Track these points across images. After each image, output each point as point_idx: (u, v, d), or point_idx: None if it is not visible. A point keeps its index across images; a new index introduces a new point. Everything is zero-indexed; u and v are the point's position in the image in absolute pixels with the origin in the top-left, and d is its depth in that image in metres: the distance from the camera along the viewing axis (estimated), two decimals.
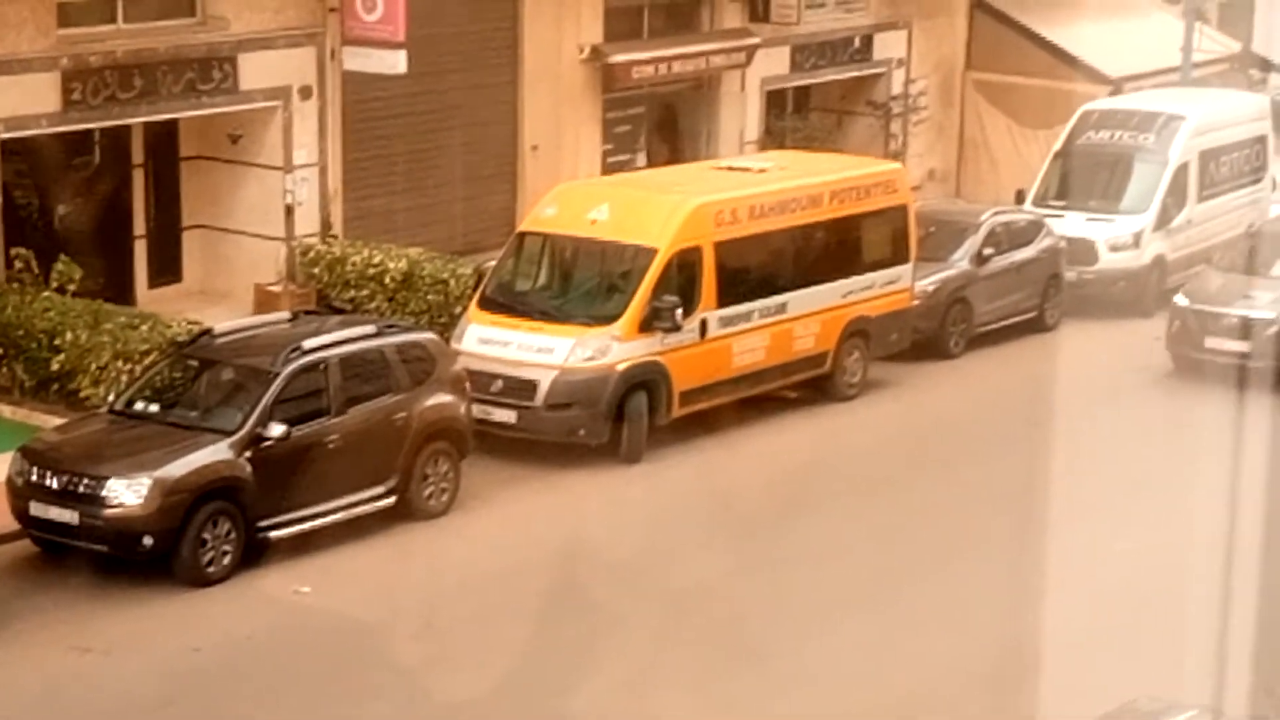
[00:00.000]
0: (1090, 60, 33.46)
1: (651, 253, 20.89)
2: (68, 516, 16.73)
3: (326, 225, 24.62)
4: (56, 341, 20.34)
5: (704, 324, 21.24)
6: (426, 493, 18.64)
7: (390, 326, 19.37)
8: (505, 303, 21.31)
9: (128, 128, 23.39)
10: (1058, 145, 29.35)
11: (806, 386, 22.84)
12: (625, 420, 20.50)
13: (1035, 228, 27.07)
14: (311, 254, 24.08)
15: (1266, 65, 38.23)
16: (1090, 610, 16.56)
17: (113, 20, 22.60)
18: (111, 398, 18.77)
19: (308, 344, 18.02)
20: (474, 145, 26.76)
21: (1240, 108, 31.11)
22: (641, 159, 29.17)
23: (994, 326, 25.96)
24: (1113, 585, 17.24)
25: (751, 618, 16.59)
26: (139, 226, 24.19)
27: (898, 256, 23.84)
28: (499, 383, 20.34)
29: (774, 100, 31.41)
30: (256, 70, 23.56)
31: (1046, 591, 17.02)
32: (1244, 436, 20.56)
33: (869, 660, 15.87)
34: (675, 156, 27.67)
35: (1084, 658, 15.47)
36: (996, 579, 17.50)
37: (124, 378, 19.60)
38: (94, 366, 20.05)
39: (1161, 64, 34.22)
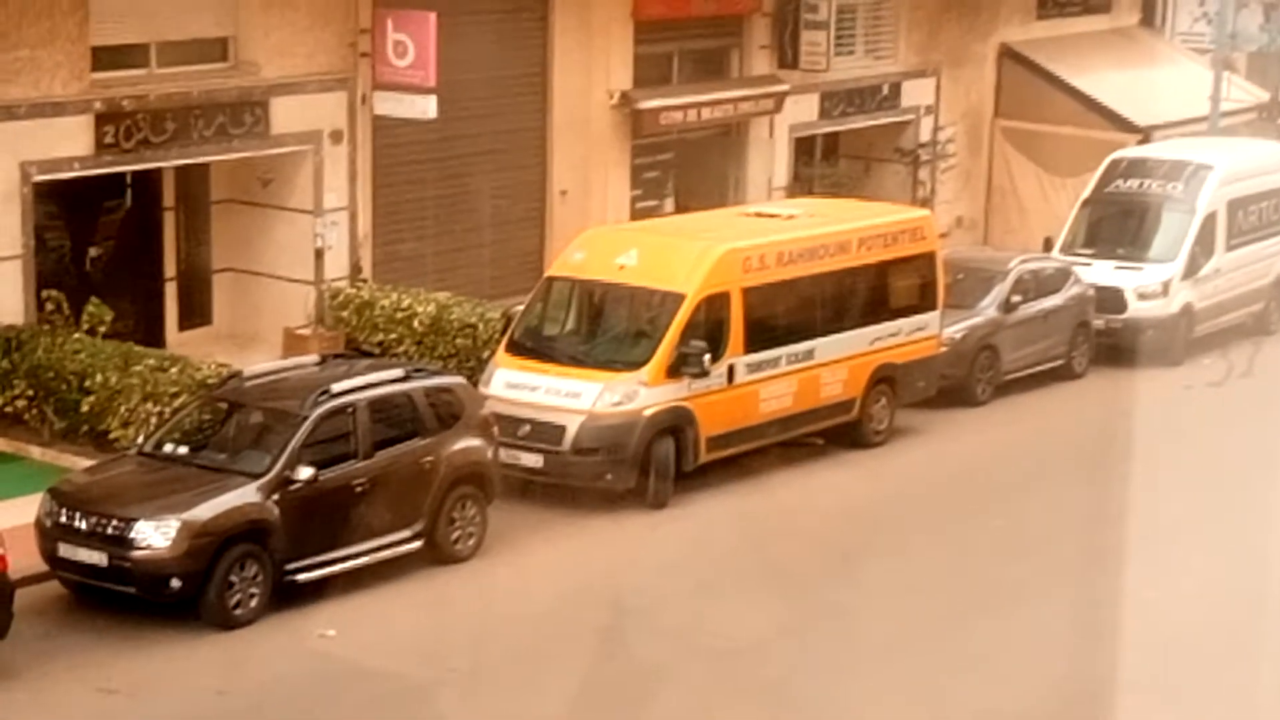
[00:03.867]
0: (1119, 109, 33.50)
1: (679, 298, 20.92)
2: (96, 558, 16.76)
3: (356, 269, 24.71)
4: (86, 383, 20.42)
5: (731, 370, 21.25)
6: (453, 537, 18.65)
7: (418, 370, 19.41)
8: (533, 347, 21.35)
9: (159, 171, 23.53)
10: (1086, 193, 29.37)
11: (833, 433, 22.82)
12: (652, 466, 20.50)
13: (1063, 276, 27.07)
14: (341, 297, 24.16)
15: None
16: (1131, 658, 16.50)
17: (146, 65, 22.77)
18: (140, 439, 18.82)
19: (336, 387, 18.06)
20: (503, 190, 26.86)
21: (1268, 157, 31.07)
22: (670, 204, 29.24)
23: (1021, 374, 25.93)
24: (1147, 634, 17.16)
25: (781, 666, 16.52)
26: (169, 269, 24.31)
27: (925, 303, 23.84)
28: (526, 427, 20.36)
29: (802, 147, 31.48)
30: (288, 115, 23.69)
31: (1083, 637, 17.01)
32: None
33: (907, 707, 15.80)
34: (704, 202, 27.72)
35: (1129, 706, 15.43)
36: (1032, 626, 17.45)
37: (153, 420, 19.67)
38: (123, 408, 20.13)
39: (1190, 113, 34.25)
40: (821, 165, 32.03)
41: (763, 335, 21.62)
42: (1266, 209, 29.74)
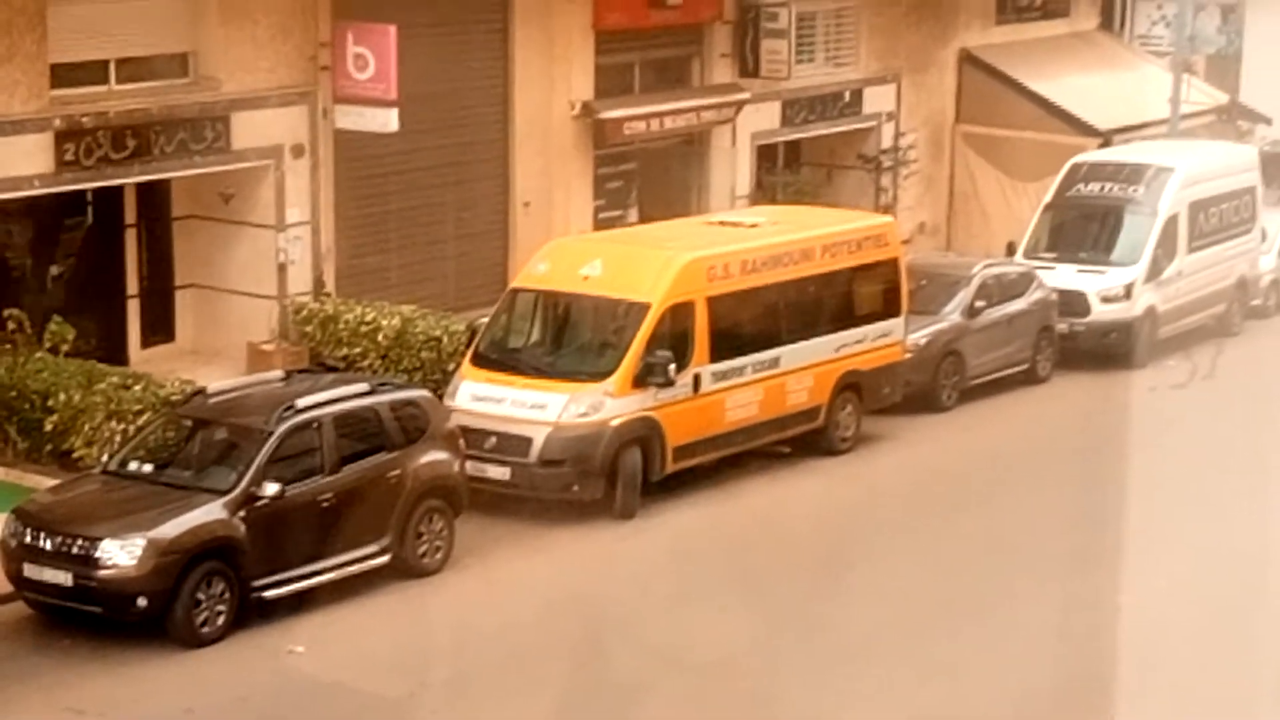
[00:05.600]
0: (1079, 113, 33.62)
1: (644, 308, 20.92)
2: (61, 578, 16.67)
3: (319, 283, 24.65)
4: (50, 402, 20.32)
5: (697, 379, 21.25)
6: (421, 550, 18.60)
7: (383, 384, 19.36)
8: (498, 359, 21.32)
9: (120, 188, 23.44)
10: (1048, 197, 29.45)
11: (800, 441, 22.83)
12: (619, 476, 20.48)
13: (1026, 280, 27.14)
14: (304, 312, 24.10)
15: (1254, 116, 38.42)
16: (1102, 662, 16.55)
17: (105, 81, 22.68)
18: (105, 458, 18.76)
19: (301, 402, 18.01)
20: (466, 202, 26.83)
21: (1229, 159, 31.23)
22: (633, 214, 29.23)
23: (986, 379, 25.99)
24: (1119, 637, 17.21)
25: (754, 676, 16.52)
26: (132, 286, 24.20)
27: (889, 310, 23.88)
28: (493, 439, 20.33)
29: (765, 155, 31.51)
30: (249, 129, 23.62)
31: (1055, 641, 17.06)
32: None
33: (882, 714, 15.81)
34: (667, 212, 27.71)
35: (1102, 709, 15.47)
36: (1004, 631, 17.48)
37: (117, 438, 19.59)
38: (87, 427, 20.03)
39: (1150, 116, 34.39)
40: (784, 173, 32.07)
41: (728, 344, 21.63)
42: (1227, 211, 29.88)
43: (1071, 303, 27.44)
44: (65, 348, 21.40)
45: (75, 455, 20.04)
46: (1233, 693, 15.93)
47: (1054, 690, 16.17)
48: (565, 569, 19.30)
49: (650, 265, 21.46)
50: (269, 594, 17.25)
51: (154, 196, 24.14)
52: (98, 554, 16.54)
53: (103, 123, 22.17)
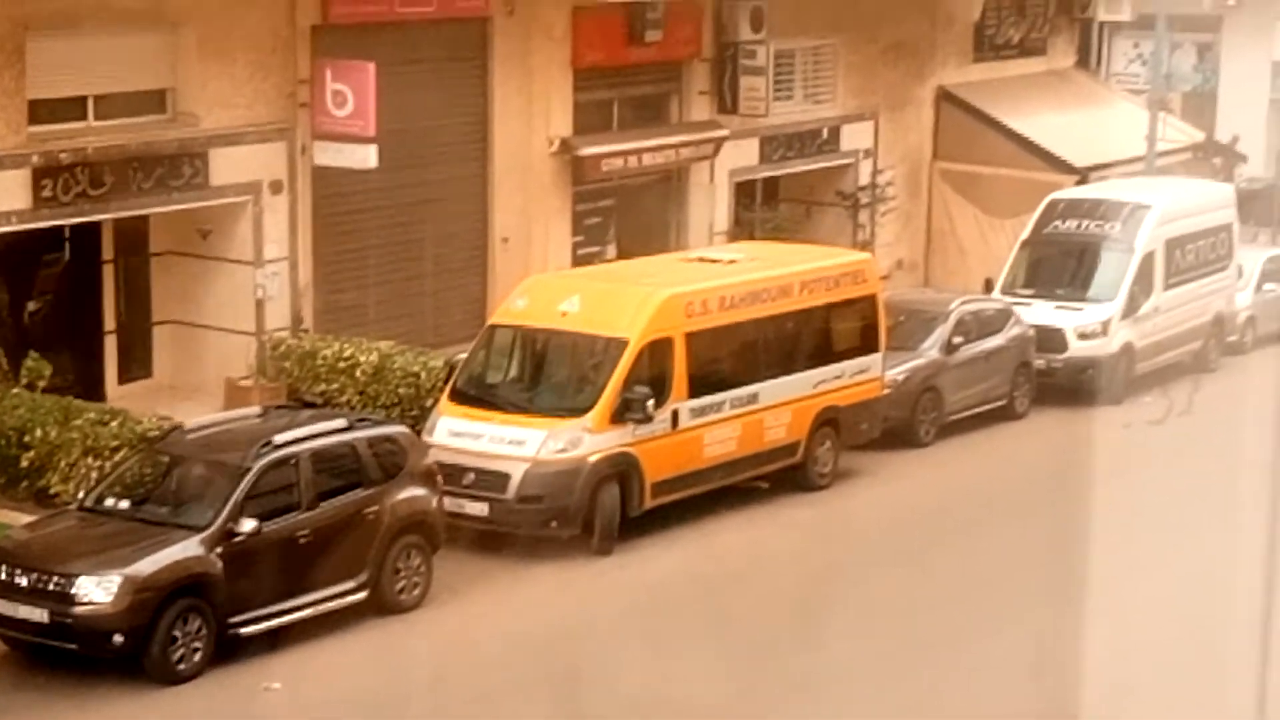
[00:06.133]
0: (1056, 150, 33.75)
1: (622, 344, 20.93)
2: (37, 615, 16.60)
3: (297, 319, 24.63)
4: (26, 438, 20.24)
5: (675, 415, 21.26)
6: (398, 587, 18.56)
7: (361, 420, 19.36)
8: (476, 395, 21.31)
9: (98, 224, 23.41)
10: (1025, 234, 29.56)
11: (778, 476, 22.84)
12: (597, 512, 20.46)
13: (1004, 316, 27.22)
14: (282, 348, 24.06)
15: (1230, 154, 38.61)
16: (1078, 696, 16.54)
17: (83, 117, 22.67)
18: (81, 494, 18.69)
19: (279, 439, 17.98)
20: (445, 238, 26.84)
21: (1205, 196, 31.38)
22: (612, 250, 29.27)
23: (964, 415, 26.04)
24: (1094, 672, 17.20)
25: (725, 714, 16.48)
26: (109, 322, 24.16)
27: (867, 346, 23.93)
28: (470, 475, 20.31)
29: (743, 191, 31.58)
30: (227, 166, 23.63)
31: (1031, 676, 17.05)
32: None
33: None
34: (645, 248, 27.77)
35: None
36: (981, 666, 17.48)
37: (94, 474, 19.50)
38: (64, 463, 19.96)
39: (1127, 153, 34.53)
40: (762, 209, 32.13)
41: (706, 380, 21.65)
42: (1204, 247, 29.99)
43: (1049, 339, 27.52)
44: (42, 384, 21.34)
45: (52, 491, 19.97)
46: None
47: None
48: (542, 606, 19.26)
49: (628, 301, 21.48)
50: (245, 631, 17.19)
51: (132, 232, 24.11)
52: (74, 591, 16.48)
53: (81, 159, 22.15)
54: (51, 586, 16.57)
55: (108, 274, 24.17)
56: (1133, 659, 17.49)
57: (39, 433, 20.17)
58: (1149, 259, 28.70)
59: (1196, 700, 16.52)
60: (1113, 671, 17.04)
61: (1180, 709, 16.45)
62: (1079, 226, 29.12)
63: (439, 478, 19.40)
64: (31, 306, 23.61)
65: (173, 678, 16.66)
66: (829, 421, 23.23)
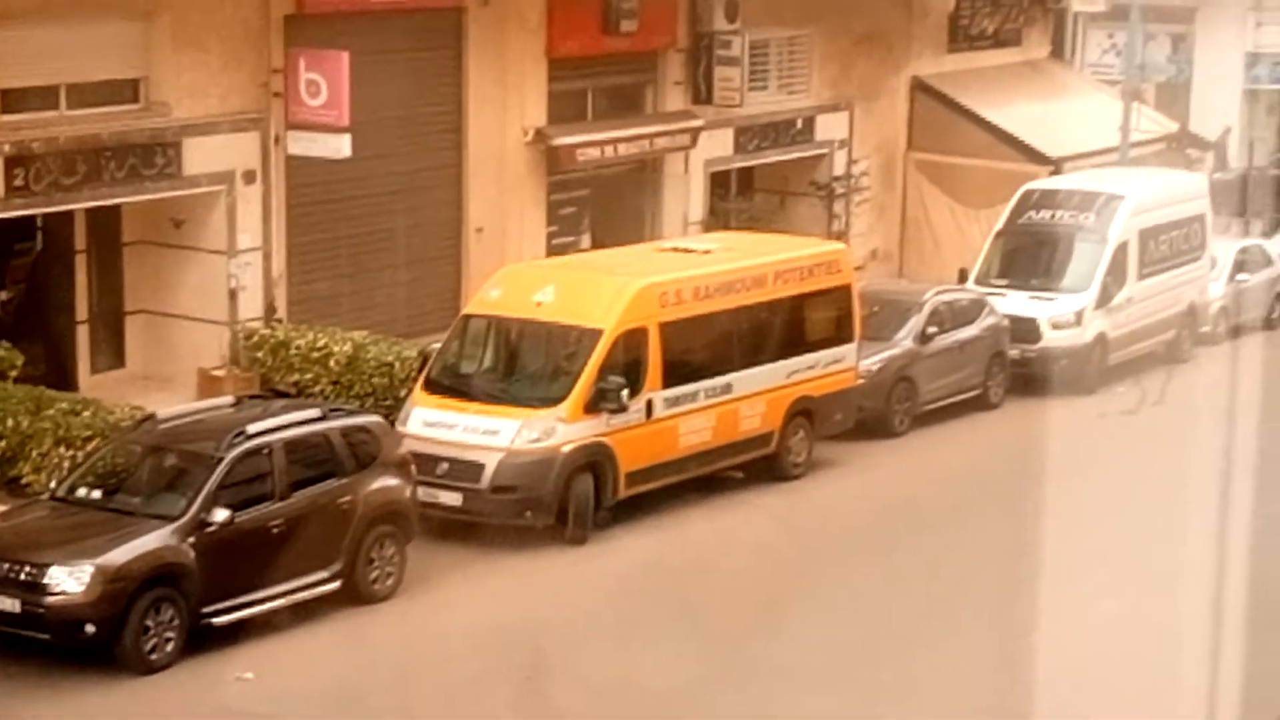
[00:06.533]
0: (1030, 140, 33.81)
1: (597, 334, 20.93)
2: (9, 605, 16.54)
3: (270, 309, 24.58)
4: None
5: (650, 405, 21.26)
6: (372, 577, 18.53)
7: (335, 410, 19.32)
8: (450, 385, 21.29)
9: (71, 213, 23.34)
10: (999, 225, 29.60)
11: (752, 466, 22.85)
12: (571, 502, 20.46)
13: (978, 306, 27.27)
14: (255, 338, 24.02)
15: (1203, 144, 38.71)
16: (1051, 686, 16.59)
17: (56, 106, 22.59)
18: (53, 484, 18.64)
19: (252, 428, 17.94)
20: (419, 228, 26.80)
21: (1179, 187, 31.45)
22: (586, 240, 29.26)
23: (938, 405, 26.08)
24: (1067, 662, 17.27)
25: (704, 704, 16.49)
26: (81, 312, 24.08)
27: (842, 336, 23.95)
28: (444, 465, 20.29)
29: (718, 181, 31.59)
30: (200, 155, 23.57)
31: (1004, 666, 17.09)
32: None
33: None
34: (620, 238, 27.77)
35: None
36: (954, 657, 17.52)
37: (66, 464, 19.48)
38: (35, 453, 19.91)
39: (1100, 144, 34.60)
40: (737, 200, 32.14)
41: (680, 370, 21.66)
42: (1177, 238, 30.06)
43: (1023, 329, 27.57)
44: (14, 373, 21.26)
45: (23, 481, 19.91)
46: (1162, 714, 15.96)
47: (1000, 714, 16.19)
48: (516, 596, 19.26)
49: (603, 291, 21.48)
50: (218, 620, 17.16)
51: (105, 222, 24.04)
52: (46, 580, 16.43)
53: (53, 148, 22.08)
54: (23, 576, 16.53)
55: (80, 263, 24.10)
56: (1100, 649, 17.54)
57: (10, 422, 20.12)
58: (1122, 249, 28.77)
59: (1154, 685, 16.54)
60: (1079, 662, 17.11)
61: (1146, 695, 16.48)
62: (1053, 217, 29.19)
63: (413, 467, 19.37)
64: (3, 296, 23.54)
65: (145, 667, 16.62)
66: (803, 411, 23.25)
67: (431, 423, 20.70)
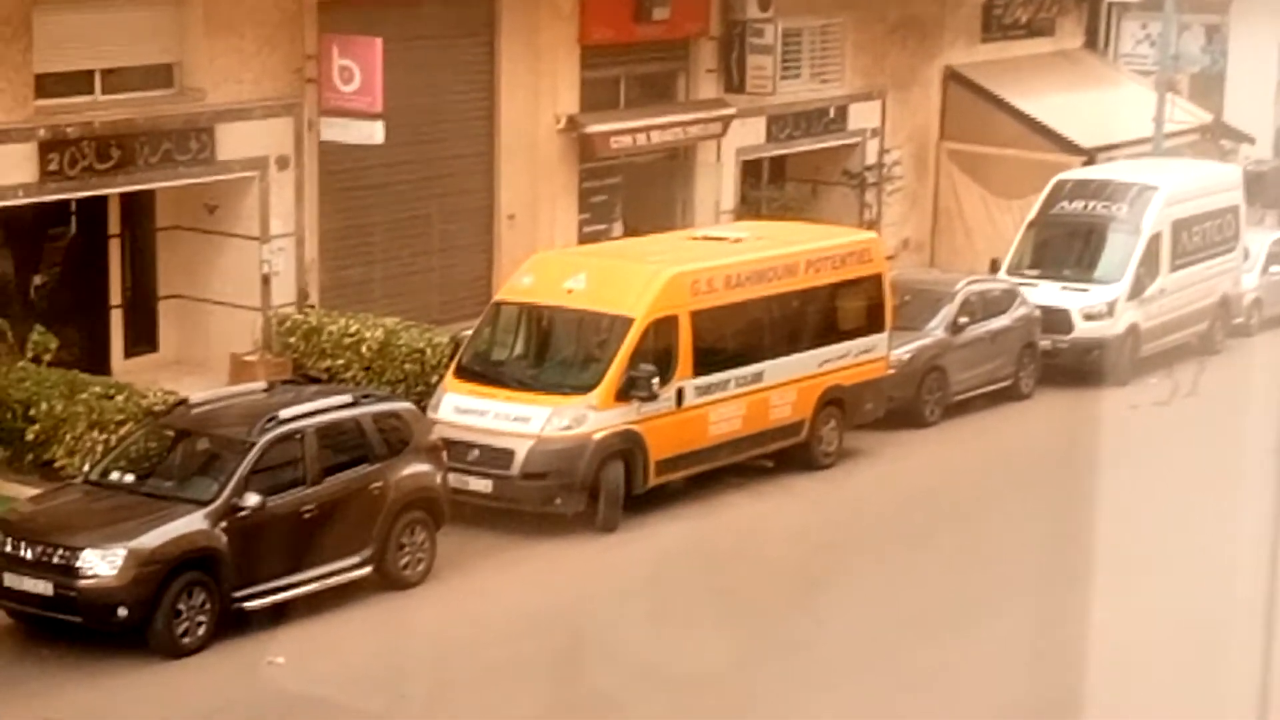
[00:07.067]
0: (1063, 131, 33.70)
1: (628, 322, 20.93)
2: (42, 588, 16.63)
3: (303, 295, 24.64)
4: (31, 412, 20.28)
5: (680, 393, 21.26)
6: (403, 562, 18.58)
7: (366, 396, 19.36)
8: (482, 372, 21.31)
9: (104, 198, 23.42)
10: (1032, 215, 29.52)
11: (782, 455, 22.84)
12: (601, 490, 20.47)
13: (1010, 297, 27.20)
14: (288, 323, 24.07)
15: (1238, 135, 38.55)
16: (1083, 677, 16.57)
17: (90, 91, 22.66)
18: (87, 468, 18.73)
19: (284, 414, 17.99)
20: (451, 215, 26.83)
21: (1212, 178, 31.33)
22: (618, 228, 29.25)
23: (969, 395, 26.03)
24: (1099, 653, 17.23)
25: (737, 692, 16.50)
26: (115, 297, 24.17)
27: (873, 325, 23.91)
28: (475, 452, 20.32)
29: (749, 170, 31.55)
30: (233, 141, 23.62)
31: (1036, 656, 17.08)
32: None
33: None
34: (651, 226, 27.76)
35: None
36: (986, 646, 17.50)
37: (99, 448, 19.55)
38: (69, 437, 19.99)
39: (1134, 134, 34.48)
40: (768, 188, 32.10)
41: (711, 358, 21.65)
42: (1210, 229, 29.95)
43: (1054, 320, 27.49)
44: (48, 357, 21.36)
45: (57, 465, 20.00)
46: (1206, 710, 15.93)
47: (1031, 704, 16.17)
48: (546, 583, 19.29)
49: (634, 279, 21.48)
50: (250, 605, 17.23)
51: (138, 207, 24.12)
52: (79, 564, 16.51)
53: (87, 133, 22.15)
54: (56, 559, 16.61)
55: (114, 248, 24.18)
56: (1134, 642, 17.49)
57: (44, 406, 20.20)
58: (1155, 240, 28.68)
59: (1200, 680, 16.53)
60: (1115, 655, 17.06)
61: (1184, 689, 16.46)
62: (1086, 207, 29.09)
63: (444, 454, 19.41)
64: (38, 280, 23.62)
65: (177, 651, 16.69)
66: (834, 401, 23.23)
67: (463, 409, 20.73)
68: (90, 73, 22.66)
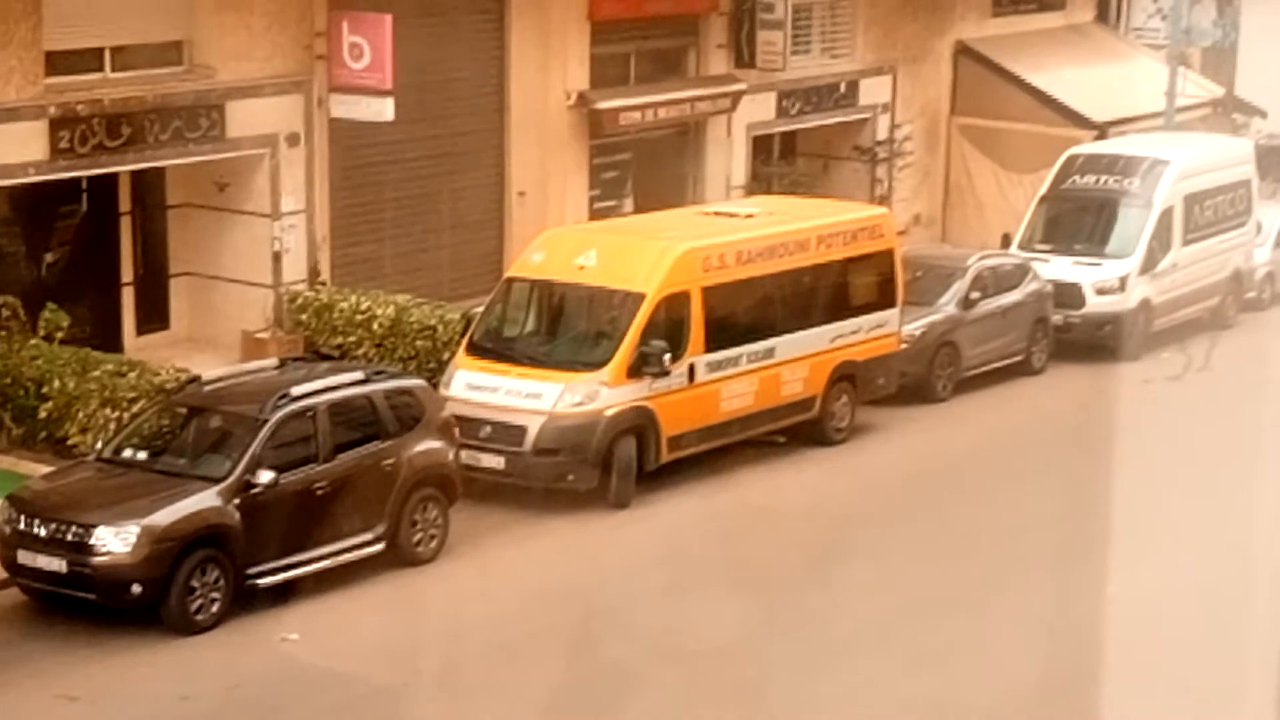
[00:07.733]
0: (1075, 105, 33.61)
1: (639, 298, 20.91)
2: (56, 565, 16.68)
3: (314, 272, 24.64)
4: (44, 389, 20.32)
5: (692, 369, 21.25)
6: (415, 539, 18.60)
7: (378, 373, 19.37)
8: (493, 348, 21.31)
9: (115, 175, 23.41)
10: (1043, 189, 29.48)
11: (794, 431, 22.83)
12: (614, 466, 20.48)
13: (1021, 272, 27.16)
14: (299, 301, 24.08)
15: (1250, 109, 38.43)
16: (1096, 652, 16.57)
17: (100, 69, 22.65)
18: (99, 445, 18.74)
19: (296, 391, 18.00)
20: (461, 191, 26.82)
21: (1224, 152, 31.25)
22: (629, 204, 29.22)
23: (981, 370, 26.01)
24: (1108, 629, 17.24)
25: (751, 665, 16.52)
26: (126, 274, 24.19)
27: (884, 301, 23.88)
28: (487, 428, 20.33)
29: (760, 145, 31.50)
30: (244, 118, 23.60)
31: (1049, 631, 17.08)
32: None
33: (878, 703, 15.83)
34: (662, 202, 27.73)
35: (1096, 700, 15.49)
36: (998, 622, 17.50)
37: (112, 425, 19.57)
38: (81, 414, 20.02)
39: (1146, 109, 34.40)
40: (779, 164, 32.05)
41: (723, 334, 21.63)
42: (1222, 204, 29.89)
43: (1066, 295, 27.46)
44: (60, 335, 21.40)
45: (70, 442, 20.03)
46: (1223, 686, 15.94)
47: (1044, 680, 16.18)
48: (559, 558, 19.31)
49: (646, 255, 21.45)
50: (263, 582, 17.25)
51: (149, 184, 24.12)
52: (92, 541, 16.54)
53: (98, 110, 22.14)
54: (70, 537, 16.64)
55: (125, 226, 24.19)
56: (1148, 616, 17.48)
57: (57, 384, 20.23)
58: (1167, 214, 28.62)
59: (1217, 655, 16.52)
60: (1128, 629, 17.06)
61: (1200, 665, 16.45)
62: (1097, 182, 29.03)
63: (456, 430, 19.42)
64: (49, 258, 23.64)
65: (190, 628, 16.72)
66: (846, 376, 23.21)
67: (474, 386, 20.73)
68: (100, 50, 22.65)
